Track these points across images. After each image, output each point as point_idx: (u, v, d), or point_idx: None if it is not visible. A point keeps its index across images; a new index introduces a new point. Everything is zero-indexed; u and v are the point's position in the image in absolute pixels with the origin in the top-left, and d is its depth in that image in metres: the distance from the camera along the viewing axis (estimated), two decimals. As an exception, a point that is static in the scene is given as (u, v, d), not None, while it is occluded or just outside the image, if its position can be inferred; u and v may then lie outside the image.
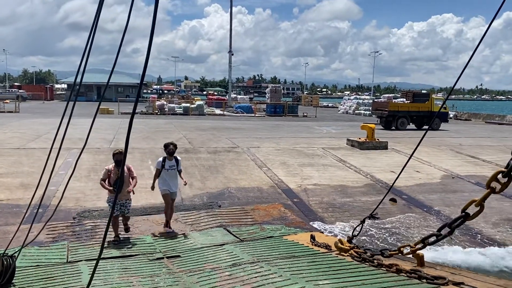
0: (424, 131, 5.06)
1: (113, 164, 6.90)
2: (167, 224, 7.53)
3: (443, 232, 4.29)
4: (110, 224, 4.27)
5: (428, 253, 5.56)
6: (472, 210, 3.98)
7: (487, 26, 3.95)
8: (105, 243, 6.53)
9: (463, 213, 4.02)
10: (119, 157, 6.77)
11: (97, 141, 15.96)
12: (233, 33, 42.78)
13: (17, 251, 4.93)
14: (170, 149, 7.38)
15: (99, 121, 25.72)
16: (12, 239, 5.03)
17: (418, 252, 4.73)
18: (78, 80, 3.20)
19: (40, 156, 12.71)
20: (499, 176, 3.73)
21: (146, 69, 2.30)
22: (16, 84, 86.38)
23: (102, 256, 5.89)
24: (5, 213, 8.44)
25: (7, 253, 4.83)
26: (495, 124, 35.26)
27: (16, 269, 5.08)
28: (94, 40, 2.81)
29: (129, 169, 7.00)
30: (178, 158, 7.58)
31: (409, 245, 4.69)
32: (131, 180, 6.98)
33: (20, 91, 59.14)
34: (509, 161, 3.68)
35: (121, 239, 6.88)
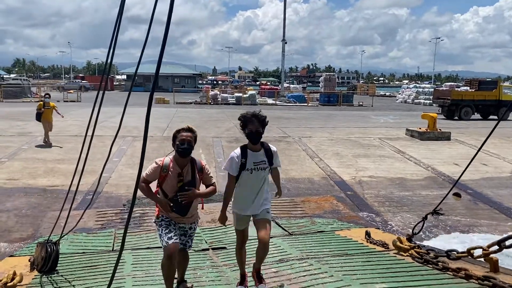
0: (496, 122, 4.41)
1: (172, 155, 3.92)
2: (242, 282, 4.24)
3: (524, 234, 3.66)
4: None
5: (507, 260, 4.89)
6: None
7: None
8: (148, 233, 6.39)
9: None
10: (189, 138, 3.84)
11: (151, 129, 16.18)
12: (287, 22, 42.26)
13: (60, 238, 4.87)
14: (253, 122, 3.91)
15: (154, 110, 26.29)
16: (54, 226, 4.98)
17: (491, 256, 4.12)
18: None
19: (95, 143, 13.03)
20: None
21: (161, 61, 2.33)
22: (80, 75, 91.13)
23: (147, 246, 5.80)
24: (59, 198, 8.64)
25: (52, 240, 4.78)
26: None
27: (63, 256, 5.06)
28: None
29: (201, 168, 3.96)
30: (273, 148, 4.13)
31: (481, 247, 4.09)
32: (202, 189, 4.02)
33: (83, 81, 62.25)
34: None
35: None
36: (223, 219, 4.11)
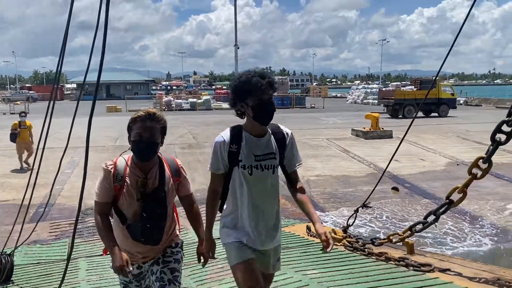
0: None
1: (127, 156, 2.63)
2: None
3: (429, 219, 4.31)
4: None
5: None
6: (455, 197, 4.00)
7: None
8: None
9: (447, 200, 4.04)
10: (151, 131, 2.51)
11: (102, 139, 16.18)
12: (241, 26, 42.85)
13: (14, 249, 5.08)
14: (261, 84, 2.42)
15: (106, 119, 26.15)
16: (8, 239, 5.18)
17: (407, 240, 4.75)
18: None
19: (47, 156, 12.93)
20: (480, 162, 3.74)
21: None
22: (26, 85, 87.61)
23: (101, 253, 6.04)
24: (11, 212, 8.66)
25: (5, 252, 4.98)
26: (506, 109, 34.57)
27: (17, 267, 5.25)
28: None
29: (177, 171, 2.71)
30: (285, 131, 2.65)
31: (397, 234, 4.72)
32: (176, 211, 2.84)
33: (30, 92, 60.00)
34: (488, 147, 3.69)
35: None
36: (208, 245, 2.63)
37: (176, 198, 2.79)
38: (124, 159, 2.60)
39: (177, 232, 2.84)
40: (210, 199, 2.60)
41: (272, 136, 2.57)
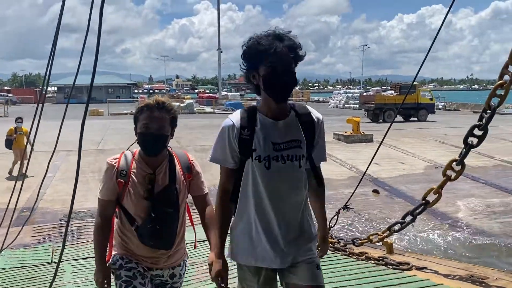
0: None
1: (134, 151, 2.40)
2: None
3: (407, 219, 4.50)
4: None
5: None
6: (431, 197, 4.19)
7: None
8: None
9: (424, 201, 4.23)
10: (160, 122, 2.27)
11: (85, 143, 15.99)
12: (224, 30, 42.99)
13: (-2, 252, 5.08)
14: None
15: (88, 123, 25.80)
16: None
17: (386, 240, 4.93)
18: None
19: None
20: (453, 164, 3.94)
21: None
22: (5, 88, 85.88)
23: (86, 256, 6.07)
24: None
25: (-11, 255, 4.97)
26: (482, 113, 35.61)
27: (1, 271, 5.25)
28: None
29: (189, 167, 2.45)
30: (315, 114, 2.14)
31: (377, 234, 4.90)
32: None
33: (9, 95, 58.87)
34: (461, 150, 3.89)
35: None
36: (218, 267, 1.99)
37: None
38: (131, 152, 2.38)
39: (184, 244, 2.51)
40: (219, 200, 2.07)
41: (297, 119, 2.01)
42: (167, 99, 2.34)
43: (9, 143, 11.89)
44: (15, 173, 11.70)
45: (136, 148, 2.39)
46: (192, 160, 2.47)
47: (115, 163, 2.32)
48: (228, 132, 1.98)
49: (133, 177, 2.29)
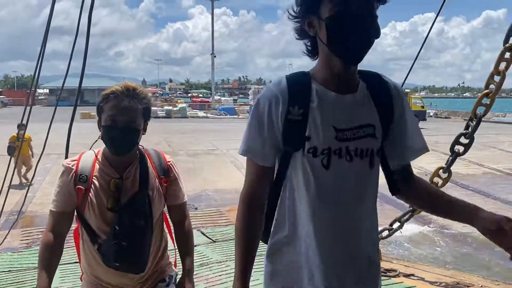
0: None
1: (98, 151, 1.93)
2: None
3: (395, 226, 4.54)
4: None
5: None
6: (419, 205, 4.24)
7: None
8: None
9: (411, 208, 4.28)
10: (129, 114, 1.79)
11: (76, 146, 15.94)
12: (218, 35, 43.23)
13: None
14: None
15: (79, 126, 25.74)
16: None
17: (375, 246, 4.97)
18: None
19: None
20: (440, 172, 3.99)
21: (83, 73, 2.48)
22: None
23: (74, 261, 6.03)
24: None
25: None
26: (473, 121, 36.01)
27: (-13, 275, 5.21)
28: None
29: (166, 170, 1.96)
30: (393, 83, 1.40)
31: (365, 240, 4.93)
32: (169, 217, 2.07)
33: (0, 97, 58.52)
34: (448, 158, 3.95)
35: None
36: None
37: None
38: (93, 153, 1.92)
39: (169, 259, 2.07)
40: (246, 208, 1.40)
41: (368, 93, 1.34)
42: (138, 86, 1.88)
43: (11, 150, 11.20)
44: (23, 179, 11.62)
45: (100, 148, 1.93)
46: (169, 161, 2.00)
47: (73, 165, 1.87)
48: (268, 111, 1.29)
49: (96, 182, 1.84)
